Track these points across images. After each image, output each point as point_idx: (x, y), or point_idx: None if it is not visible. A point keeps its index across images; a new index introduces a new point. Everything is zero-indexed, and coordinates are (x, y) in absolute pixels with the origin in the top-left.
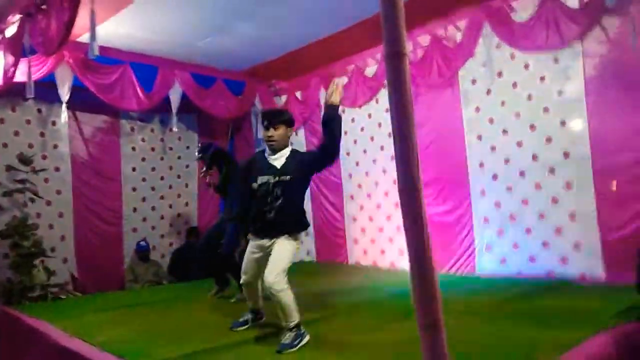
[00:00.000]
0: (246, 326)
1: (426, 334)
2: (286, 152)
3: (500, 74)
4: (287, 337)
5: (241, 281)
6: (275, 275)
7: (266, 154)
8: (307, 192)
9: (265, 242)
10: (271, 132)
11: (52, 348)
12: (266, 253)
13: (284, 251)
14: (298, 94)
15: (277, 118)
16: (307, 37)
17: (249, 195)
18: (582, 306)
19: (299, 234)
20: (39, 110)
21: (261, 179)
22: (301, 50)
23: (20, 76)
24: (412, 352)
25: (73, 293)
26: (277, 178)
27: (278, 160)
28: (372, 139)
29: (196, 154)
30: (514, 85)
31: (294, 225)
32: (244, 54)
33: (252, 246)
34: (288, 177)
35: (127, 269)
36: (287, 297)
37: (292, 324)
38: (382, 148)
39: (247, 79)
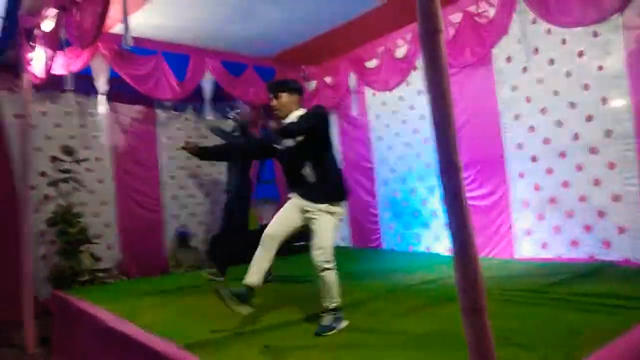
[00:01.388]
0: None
1: (470, 317)
2: (293, 117)
3: (536, 51)
4: (326, 319)
5: (266, 234)
6: (323, 253)
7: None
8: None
9: (302, 202)
10: (273, 102)
11: (100, 329)
12: (302, 217)
13: (328, 228)
14: (328, 79)
15: (277, 87)
16: (335, 19)
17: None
18: (626, 291)
19: (338, 204)
20: (78, 102)
21: (280, 150)
22: (329, 34)
23: (59, 69)
24: (453, 336)
25: (118, 278)
26: (286, 145)
27: (286, 122)
28: (404, 121)
29: (234, 114)
30: (551, 61)
31: (325, 191)
32: (273, 40)
33: (290, 202)
34: (292, 142)
35: (169, 255)
36: (333, 276)
37: (333, 305)
38: (415, 131)
39: (277, 65)
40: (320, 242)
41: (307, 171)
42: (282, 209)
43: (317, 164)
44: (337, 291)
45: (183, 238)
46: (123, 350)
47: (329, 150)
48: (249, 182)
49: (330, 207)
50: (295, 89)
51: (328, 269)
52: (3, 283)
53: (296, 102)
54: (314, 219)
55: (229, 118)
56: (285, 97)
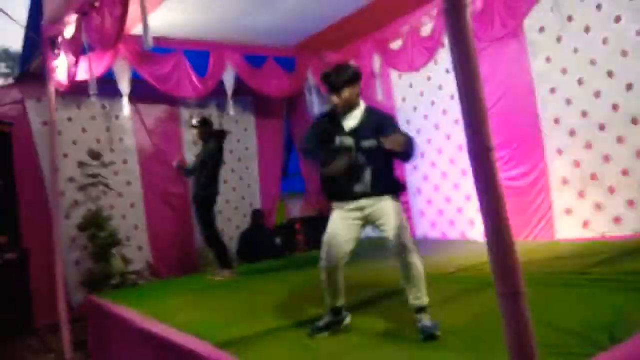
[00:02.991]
0: (327, 332)
1: (507, 302)
2: (358, 112)
3: (570, 19)
4: (427, 319)
5: (325, 264)
6: (409, 236)
7: (338, 113)
8: None
9: (362, 202)
10: (335, 99)
11: (134, 331)
12: (363, 219)
13: (398, 212)
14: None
15: (340, 81)
16: (356, 1)
17: (326, 152)
18: None
19: (398, 196)
20: (103, 106)
21: (340, 140)
22: (350, 17)
23: (83, 75)
24: (491, 323)
25: (150, 279)
26: (358, 144)
27: (351, 121)
28: (432, 103)
29: (194, 122)
30: (587, 29)
31: (387, 188)
32: (292, 29)
33: (343, 213)
34: (371, 143)
35: (200, 254)
36: (420, 263)
37: (422, 305)
38: (444, 112)
39: (298, 54)
40: (399, 226)
41: (362, 176)
42: (334, 224)
43: (384, 167)
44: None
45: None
46: (158, 351)
47: None
48: (215, 189)
49: (391, 198)
50: (358, 76)
51: (418, 255)
52: (40, 289)
53: (359, 92)
54: (379, 209)
55: (192, 126)
56: (348, 92)
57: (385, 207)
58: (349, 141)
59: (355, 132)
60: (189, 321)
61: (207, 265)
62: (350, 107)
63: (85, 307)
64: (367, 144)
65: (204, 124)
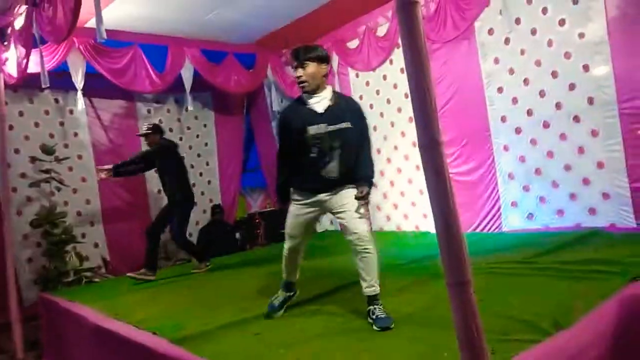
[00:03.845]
0: (284, 309)
1: (455, 291)
2: (326, 93)
3: (518, 21)
4: (380, 310)
5: (288, 246)
6: (366, 225)
7: (304, 99)
8: None
9: (323, 196)
10: (299, 72)
11: (90, 328)
12: (323, 209)
13: (359, 203)
14: None
15: (305, 54)
16: (315, 0)
17: (295, 149)
18: (613, 256)
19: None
20: (56, 100)
21: (312, 129)
22: (310, 16)
23: (34, 67)
24: (442, 311)
25: (106, 276)
26: (331, 126)
27: (319, 104)
28: (388, 101)
29: (145, 129)
30: (533, 31)
31: (357, 175)
32: (253, 25)
33: (303, 204)
34: (344, 124)
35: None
36: (375, 253)
37: (374, 292)
38: (399, 110)
39: (258, 50)
40: (360, 218)
41: (335, 159)
42: (293, 214)
43: (353, 150)
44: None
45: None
46: (114, 348)
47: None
48: (190, 189)
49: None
50: (325, 57)
51: (374, 246)
52: None
53: (325, 75)
54: (341, 200)
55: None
56: (314, 67)
57: (345, 196)
58: (321, 128)
59: (327, 115)
60: (145, 318)
61: (167, 260)
62: (316, 86)
63: (38, 305)
64: (342, 125)
65: (156, 130)
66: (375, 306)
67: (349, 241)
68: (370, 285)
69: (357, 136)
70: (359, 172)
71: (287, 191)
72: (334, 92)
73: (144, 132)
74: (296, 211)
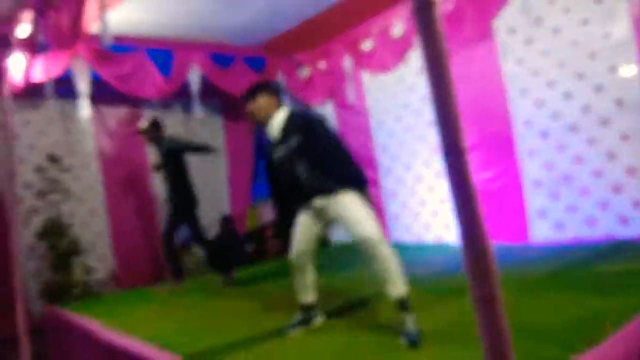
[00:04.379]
0: (297, 329)
1: (482, 307)
2: (278, 117)
3: (539, 21)
4: (411, 321)
5: (292, 261)
6: (370, 227)
7: (266, 131)
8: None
9: (319, 202)
10: (249, 107)
11: (97, 343)
12: (324, 219)
13: (356, 204)
14: (322, 65)
15: (248, 93)
16: (325, 1)
17: (276, 174)
18: None
19: (357, 190)
20: (62, 109)
21: (275, 155)
22: (321, 16)
23: (39, 76)
24: (467, 328)
25: (114, 288)
26: (286, 146)
27: (273, 130)
28: (405, 105)
29: (141, 126)
30: (556, 31)
31: (341, 181)
32: (262, 27)
33: (305, 214)
34: (294, 140)
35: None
36: (390, 252)
37: (401, 294)
38: (417, 114)
39: (267, 53)
40: (359, 218)
41: (305, 176)
42: (297, 225)
43: (325, 159)
44: (400, 272)
45: (183, 243)
46: None
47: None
48: (191, 188)
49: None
50: (272, 89)
51: (383, 241)
52: None
53: (275, 103)
54: (337, 206)
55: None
56: (262, 99)
57: (341, 203)
58: (281, 151)
59: (281, 140)
60: (155, 332)
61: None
62: (267, 115)
63: (45, 318)
64: (293, 143)
65: (153, 125)
66: (406, 315)
67: (360, 249)
68: (394, 286)
69: (315, 146)
70: (342, 179)
71: (287, 229)
72: (289, 113)
73: (145, 127)
74: (298, 219)
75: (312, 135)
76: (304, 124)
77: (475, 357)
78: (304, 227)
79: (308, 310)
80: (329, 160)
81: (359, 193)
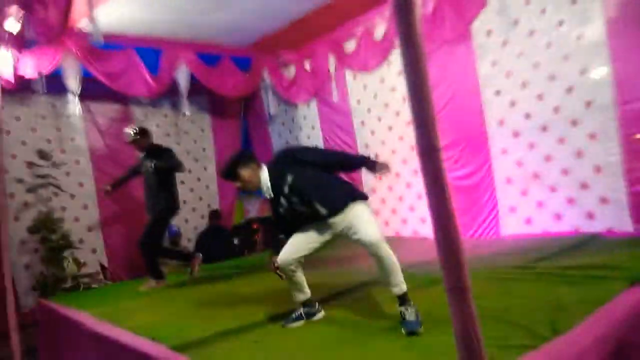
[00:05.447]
0: (298, 323)
1: (454, 296)
2: (264, 179)
3: (516, 23)
4: (410, 313)
5: (282, 265)
6: (376, 231)
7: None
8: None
9: (333, 219)
10: (238, 185)
11: (87, 335)
12: (333, 234)
13: (364, 211)
14: (307, 65)
15: (230, 172)
16: (312, 2)
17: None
18: (612, 260)
19: (359, 202)
20: (53, 105)
21: (281, 211)
22: (305, 17)
23: (29, 71)
24: (440, 316)
25: (104, 282)
26: (285, 198)
27: (267, 192)
28: (386, 105)
29: (131, 133)
30: (531, 33)
31: (343, 199)
32: (248, 27)
33: (310, 228)
34: (286, 184)
35: None
36: (391, 253)
37: (403, 290)
38: (397, 114)
39: (254, 53)
40: (367, 225)
41: (308, 208)
42: (303, 234)
43: (319, 187)
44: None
45: (172, 237)
46: (112, 355)
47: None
48: (177, 195)
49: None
50: (246, 158)
51: (388, 249)
52: None
53: (256, 168)
54: (347, 218)
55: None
56: (243, 172)
57: (350, 217)
58: (284, 205)
59: (277, 194)
60: (144, 324)
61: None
62: (256, 183)
63: (36, 311)
64: (287, 191)
65: (143, 133)
66: (405, 307)
67: (367, 250)
68: (395, 285)
69: (307, 174)
70: (348, 194)
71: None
72: (268, 170)
73: (133, 137)
74: (300, 231)
75: (300, 173)
76: (286, 165)
77: (447, 342)
78: (302, 239)
79: (307, 306)
80: (328, 182)
81: (364, 202)
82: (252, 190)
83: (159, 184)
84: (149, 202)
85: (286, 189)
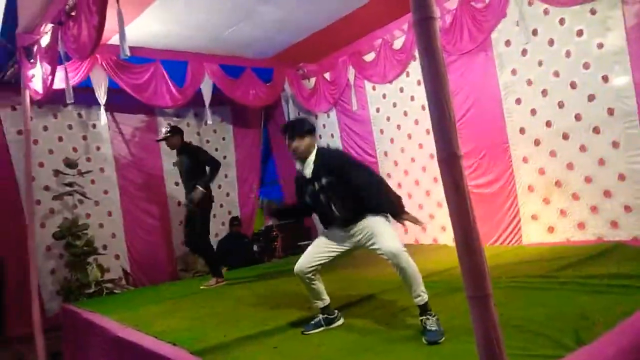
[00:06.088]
0: (317, 329)
1: (476, 305)
2: (312, 157)
3: (535, 32)
4: (432, 323)
5: (298, 273)
6: (398, 243)
7: (298, 167)
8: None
9: (350, 229)
10: (297, 143)
11: (111, 339)
12: (352, 244)
13: (384, 223)
14: (327, 75)
15: (302, 129)
16: (331, 15)
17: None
18: (635, 270)
19: (383, 215)
20: (79, 115)
21: (307, 193)
22: (326, 30)
23: (59, 83)
24: (462, 324)
25: (126, 287)
26: (316, 186)
27: (307, 169)
28: (405, 113)
29: (163, 131)
30: (551, 42)
31: (368, 209)
32: (270, 40)
33: (329, 236)
34: (325, 180)
35: (179, 258)
36: (412, 263)
37: (424, 299)
38: (416, 122)
39: (275, 65)
40: (386, 236)
41: (335, 208)
42: (320, 242)
43: (350, 193)
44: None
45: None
46: (133, 359)
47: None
48: (210, 193)
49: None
50: (314, 130)
51: (409, 257)
52: (13, 299)
53: (315, 144)
54: (365, 229)
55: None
56: (308, 140)
57: (369, 228)
58: (311, 190)
59: (313, 177)
60: (166, 329)
61: (186, 271)
62: (308, 154)
63: (61, 316)
64: (324, 181)
65: (176, 131)
66: (427, 317)
67: (390, 262)
68: (417, 295)
69: (343, 182)
70: (374, 206)
71: (286, 212)
72: (317, 151)
73: (164, 135)
74: (319, 238)
75: (343, 177)
76: (331, 165)
77: (469, 351)
78: (321, 248)
79: (326, 313)
80: (362, 195)
81: (387, 217)
82: (299, 156)
83: (194, 177)
84: (188, 192)
85: (318, 183)
